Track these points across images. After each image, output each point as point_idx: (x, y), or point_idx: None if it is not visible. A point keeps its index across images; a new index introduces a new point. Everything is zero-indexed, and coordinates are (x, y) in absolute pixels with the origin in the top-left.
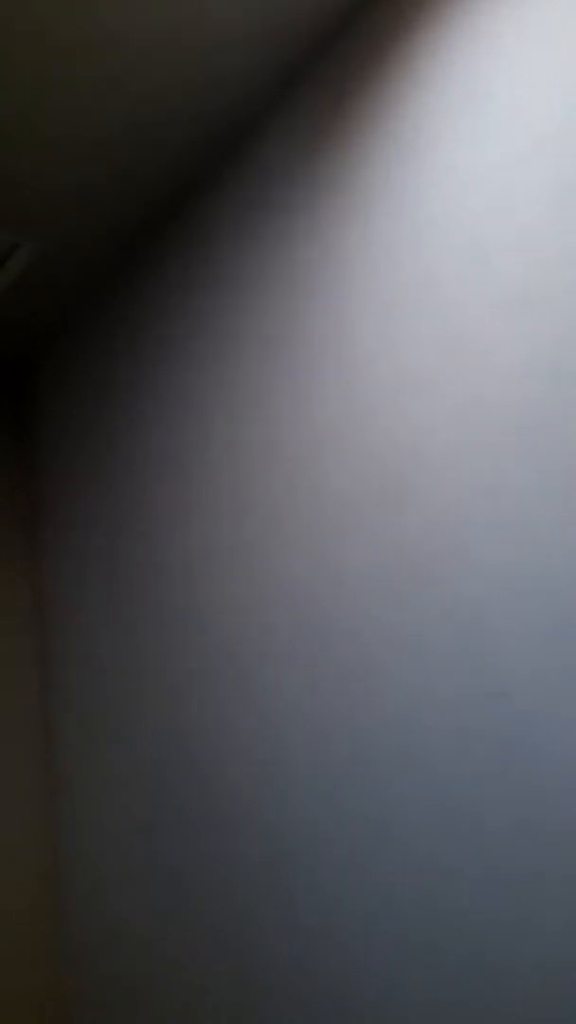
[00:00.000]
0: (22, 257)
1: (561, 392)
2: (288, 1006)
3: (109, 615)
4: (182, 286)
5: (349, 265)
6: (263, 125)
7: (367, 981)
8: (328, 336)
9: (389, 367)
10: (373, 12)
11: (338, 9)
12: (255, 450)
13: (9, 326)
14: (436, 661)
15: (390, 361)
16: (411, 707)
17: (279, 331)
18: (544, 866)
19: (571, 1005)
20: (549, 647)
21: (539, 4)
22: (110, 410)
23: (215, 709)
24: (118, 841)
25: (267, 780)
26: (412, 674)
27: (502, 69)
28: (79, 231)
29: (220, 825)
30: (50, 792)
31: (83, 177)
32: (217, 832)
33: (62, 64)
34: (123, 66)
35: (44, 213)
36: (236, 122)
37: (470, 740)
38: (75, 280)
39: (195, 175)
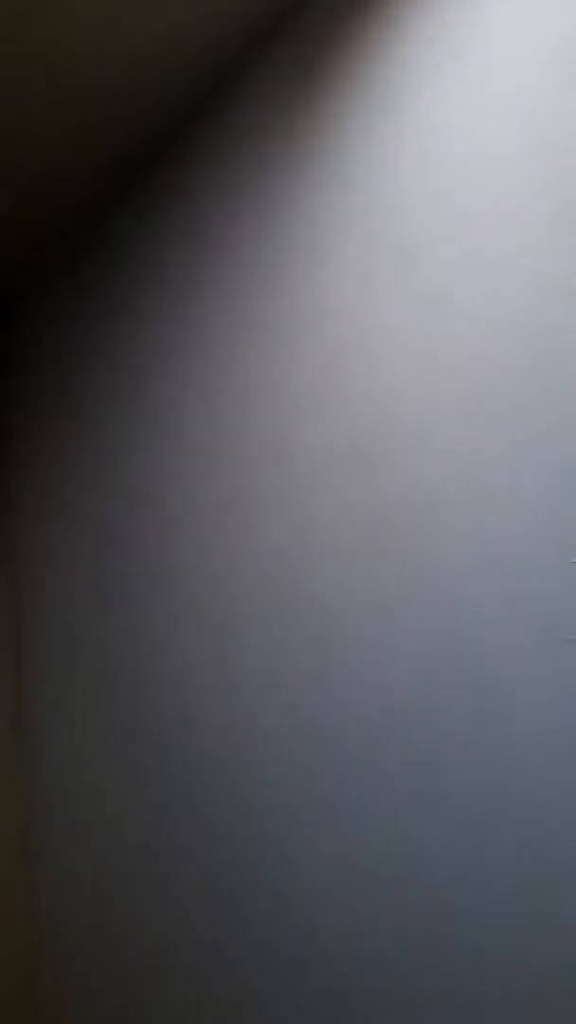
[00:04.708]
0: None
1: (535, 354)
2: (253, 967)
3: (81, 573)
4: (156, 243)
5: (325, 223)
6: (239, 79)
7: (330, 943)
8: (303, 295)
9: (364, 327)
10: None
11: None
12: (229, 409)
13: None
14: (404, 626)
15: (365, 321)
16: (379, 673)
17: (255, 288)
18: (502, 838)
19: (534, 976)
20: (518, 613)
21: None
22: (85, 368)
23: (184, 670)
24: (89, 808)
25: (235, 745)
26: (380, 639)
27: (485, 24)
28: (52, 183)
29: (188, 790)
30: (22, 757)
31: (59, 127)
32: (185, 797)
33: (39, 14)
34: (99, 16)
35: (16, 166)
36: (211, 76)
37: (438, 707)
38: (47, 234)
39: (170, 128)
